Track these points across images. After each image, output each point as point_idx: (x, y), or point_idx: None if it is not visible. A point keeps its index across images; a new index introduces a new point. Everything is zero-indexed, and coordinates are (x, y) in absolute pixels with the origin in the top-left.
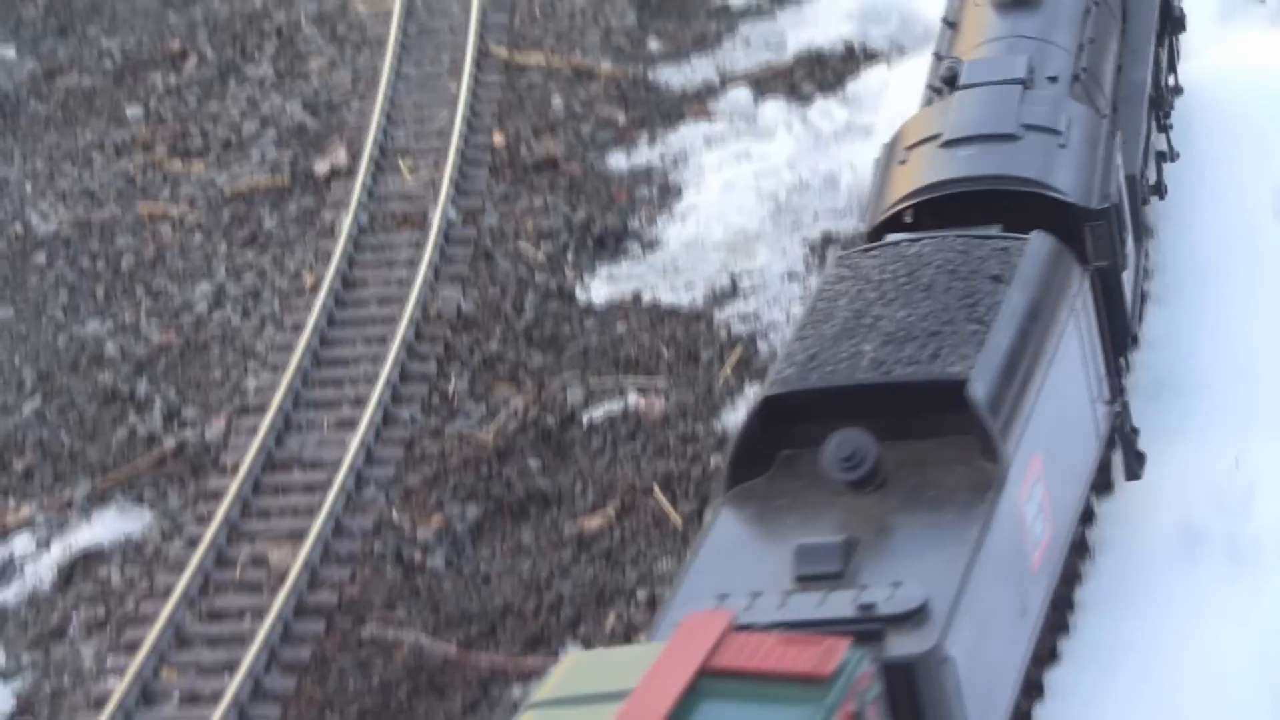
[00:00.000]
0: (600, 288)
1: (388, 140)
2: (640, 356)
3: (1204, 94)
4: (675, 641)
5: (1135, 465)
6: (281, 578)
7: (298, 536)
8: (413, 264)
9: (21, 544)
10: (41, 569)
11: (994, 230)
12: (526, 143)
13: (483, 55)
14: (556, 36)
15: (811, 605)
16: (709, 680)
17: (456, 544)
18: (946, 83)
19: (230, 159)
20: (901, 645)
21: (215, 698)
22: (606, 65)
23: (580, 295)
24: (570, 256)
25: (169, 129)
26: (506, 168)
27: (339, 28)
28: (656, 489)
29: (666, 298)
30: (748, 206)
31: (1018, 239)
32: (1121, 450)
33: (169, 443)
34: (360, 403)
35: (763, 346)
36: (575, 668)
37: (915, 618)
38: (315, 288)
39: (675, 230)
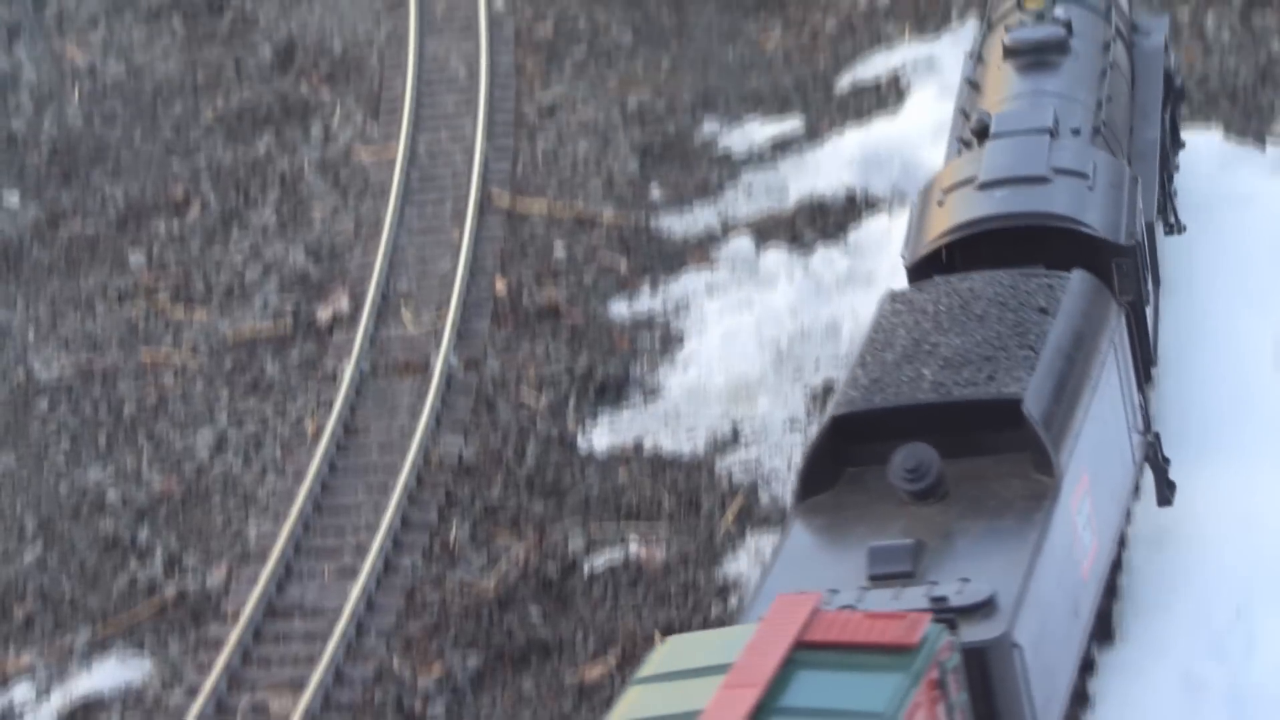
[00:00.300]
0: (602, 435)
1: (390, 287)
2: (641, 505)
3: (1204, 241)
4: (769, 620)
5: (1167, 493)
6: None
7: (298, 685)
8: (414, 411)
9: (22, 692)
10: (41, 718)
11: (1038, 268)
12: (529, 290)
13: (485, 202)
14: (559, 184)
15: (886, 599)
16: (804, 652)
17: (457, 693)
18: (977, 134)
19: (233, 305)
20: (973, 633)
21: None
22: (609, 213)
23: (582, 443)
24: (572, 404)
25: (172, 275)
26: (508, 315)
27: (342, 175)
28: (658, 637)
29: (668, 446)
30: (749, 354)
31: (1061, 276)
32: (1154, 478)
33: (170, 590)
34: (362, 550)
35: (764, 495)
36: (674, 648)
37: (984, 609)
38: (317, 435)
39: (677, 378)
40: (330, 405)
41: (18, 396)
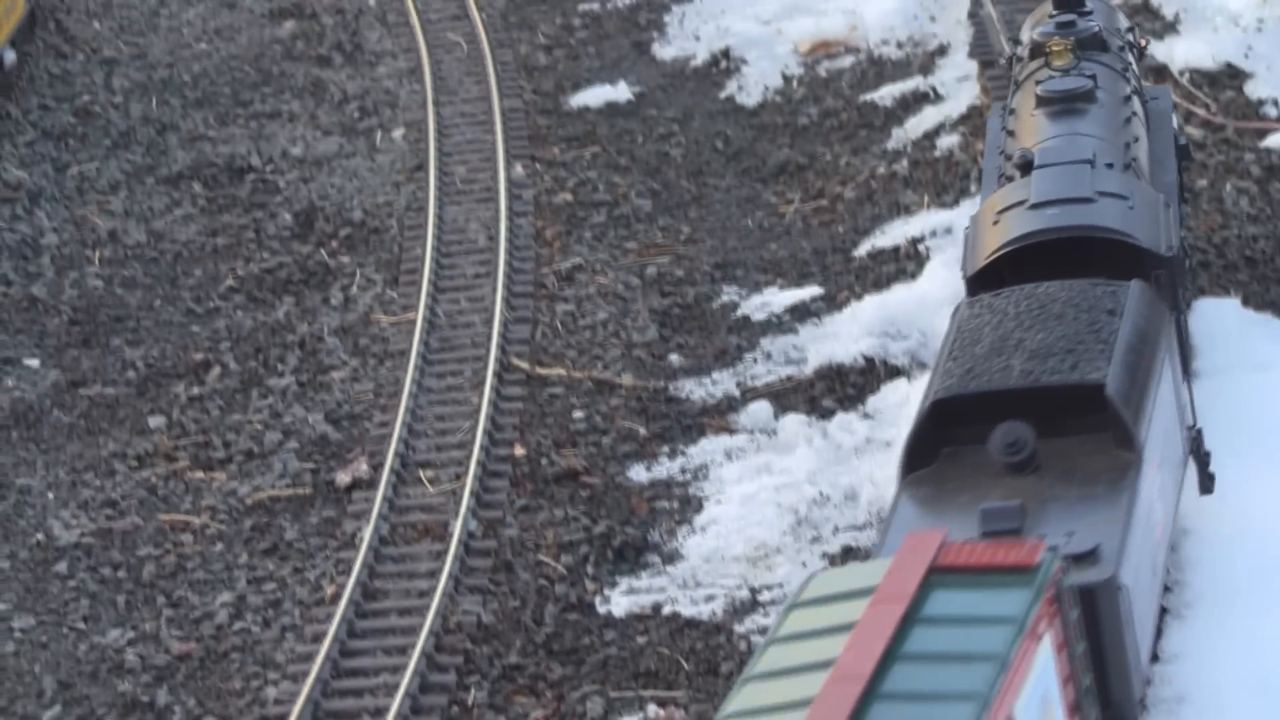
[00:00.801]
0: (620, 599)
1: (409, 452)
2: (660, 668)
3: (1222, 406)
4: (903, 551)
5: (1208, 483)
6: None
7: None
8: (433, 575)
9: None
10: None
11: (1099, 279)
12: (547, 455)
13: (504, 368)
14: (578, 350)
15: None
16: (937, 575)
17: None
18: (1021, 168)
19: (252, 469)
20: (1083, 576)
21: None
22: (628, 378)
23: (600, 607)
24: (590, 568)
25: (191, 439)
26: (527, 479)
27: (361, 340)
28: None
29: (686, 610)
30: (768, 519)
31: (1122, 284)
32: (1197, 469)
33: None
34: (380, 714)
35: None
36: (823, 580)
37: (1091, 556)
38: (336, 598)
39: (695, 542)
40: (349, 569)
41: (37, 558)
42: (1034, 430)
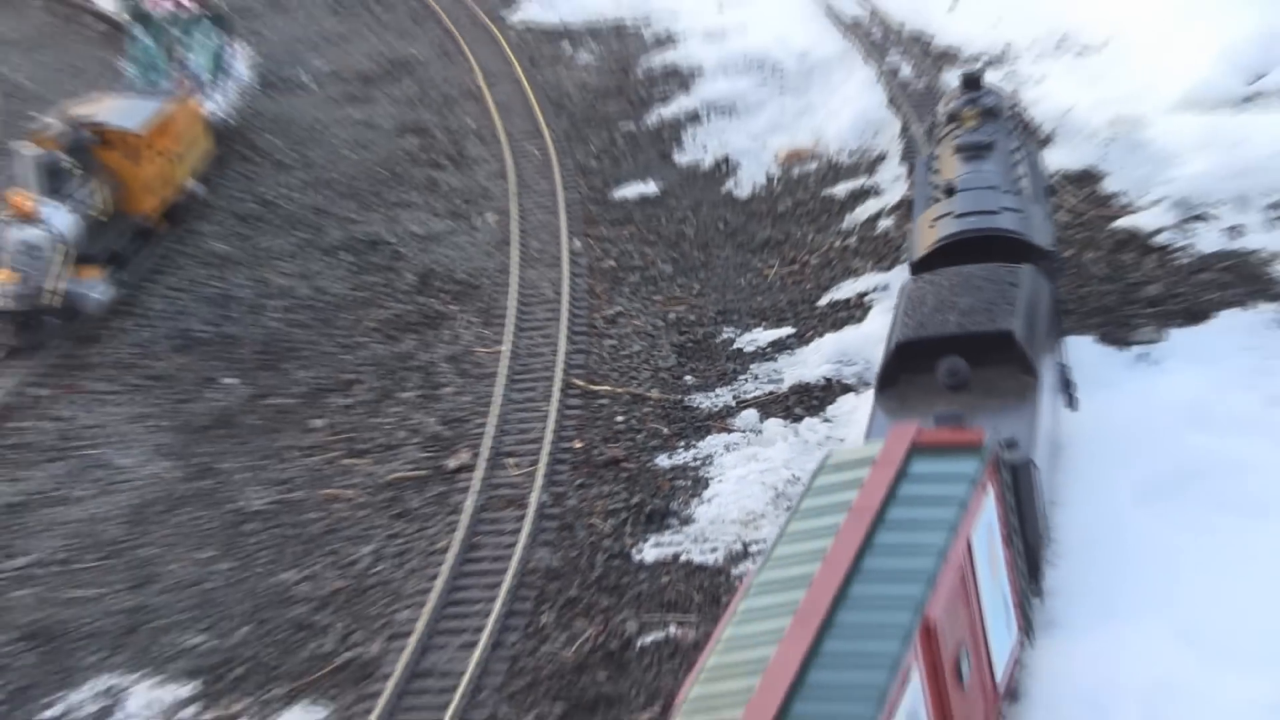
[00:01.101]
0: (649, 551)
1: (499, 445)
2: (678, 599)
3: (1082, 416)
4: (892, 436)
5: (1074, 403)
6: None
7: (447, 693)
8: (515, 533)
9: None
10: None
11: (1004, 264)
12: (597, 447)
13: (566, 386)
14: (619, 372)
15: None
16: (916, 449)
17: None
18: (946, 192)
19: (387, 457)
20: (1010, 458)
21: None
22: (655, 393)
23: (635, 556)
24: (628, 528)
25: (343, 435)
26: (583, 465)
27: (464, 365)
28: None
29: (697, 558)
30: (755, 494)
31: (1019, 266)
32: (1064, 389)
33: (341, 659)
34: (478, 631)
35: None
36: (839, 454)
37: (1012, 445)
38: (446, 550)
39: (703, 510)
40: (456, 528)
41: (233, 520)
42: (966, 363)
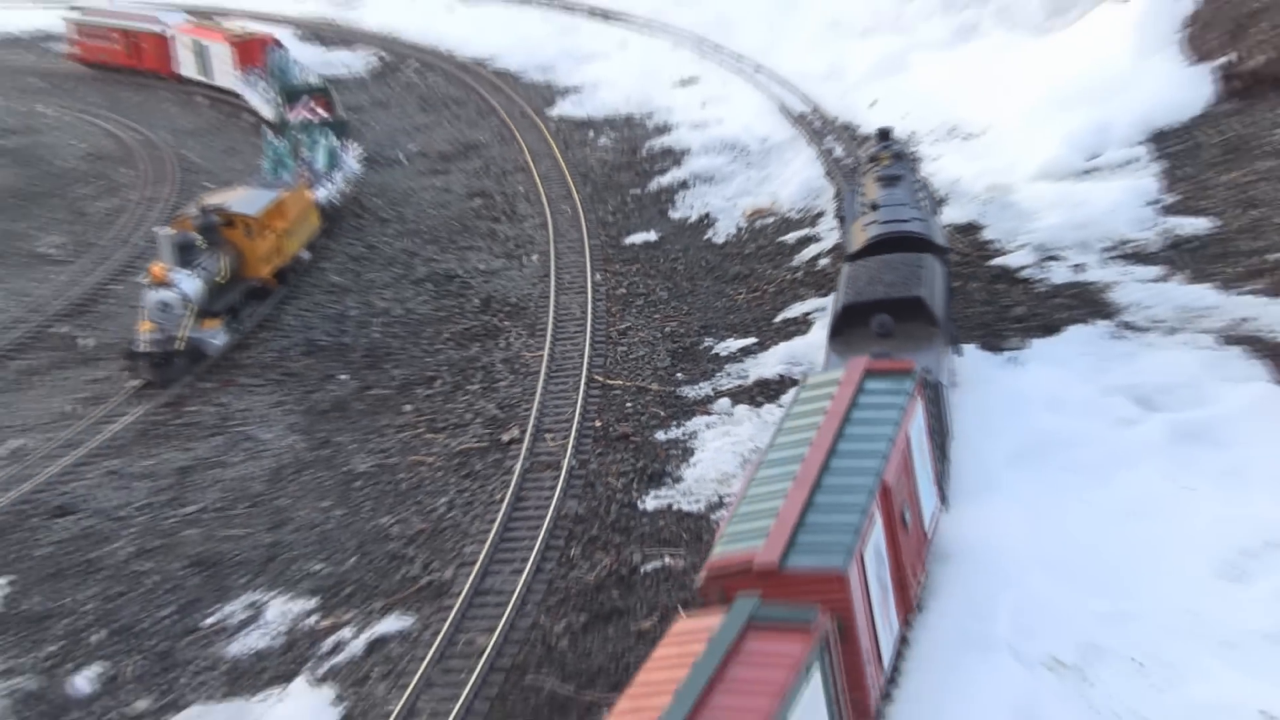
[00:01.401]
0: (650, 502)
1: (540, 424)
2: (671, 537)
3: (967, 403)
4: (849, 367)
5: (959, 349)
6: (483, 649)
7: (491, 629)
8: (552, 488)
9: (345, 633)
10: (355, 646)
11: (914, 254)
12: (612, 426)
13: (590, 381)
14: (629, 371)
15: None
16: (869, 373)
17: (573, 634)
18: (872, 207)
19: (457, 433)
20: (929, 379)
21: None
22: (655, 385)
23: (640, 506)
24: (635, 486)
25: (426, 417)
26: (602, 439)
27: (515, 365)
28: (680, 607)
29: (686, 508)
30: (728, 460)
31: (924, 255)
32: (953, 340)
33: (423, 581)
34: (524, 560)
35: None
36: (815, 378)
37: (929, 372)
38: (501, 501)
39: (690, 472)
40: (508, 485)
41: (345, 478)
42: (891, 318)
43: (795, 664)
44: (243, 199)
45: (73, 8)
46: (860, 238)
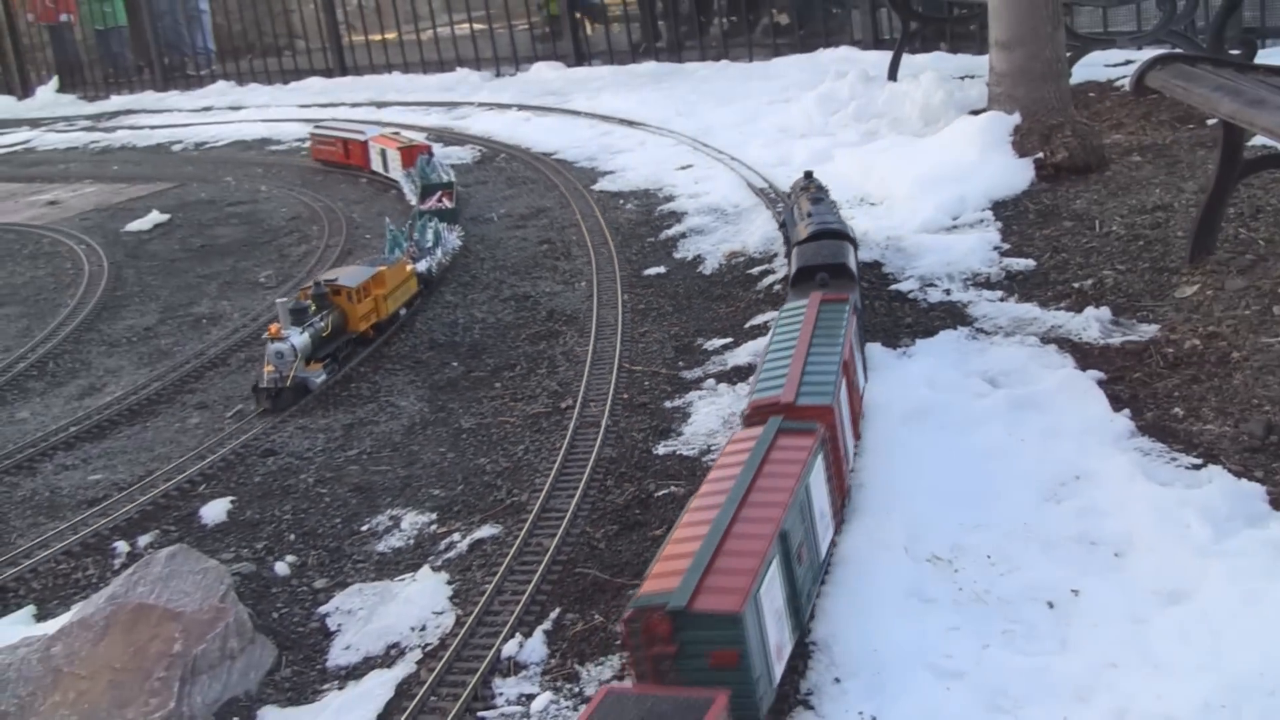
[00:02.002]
0: (661, 449)
1: (587, 396)
2: (675, 474)
3: (872, 388)
4: (810, 299)
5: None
6: (547, 548)
7: (553, 534)
8: (593, 440)
9: (455, 537)
10: (461, 546)
11: (838, 242)
12: (634, 398)
13: (620, 368)
14: (646, 359)
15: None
16: (823, 302)
17: (609, 539)
18: (807, 215)
19: (530, 402)
20: (856, 304)
21: (529, 578)
22: (664, 370)
23: (653, 452)
24: (650, 438)
25: (509, 391)
26: (627, 406)
27: (570, 357)
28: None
29: (684, 453)
30: (713, 422)
31: (845, 242)
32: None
33: (507, 502)
34: (574, 489)
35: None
36: (790, 306)
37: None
38: (559, 449)
39: (688, 428)
40: (564, 438)
41: (454, 434)
42: (829, 275)
43: (808, 449)
44: (349, 274)
45: (317, 125)
46: (804, 231)
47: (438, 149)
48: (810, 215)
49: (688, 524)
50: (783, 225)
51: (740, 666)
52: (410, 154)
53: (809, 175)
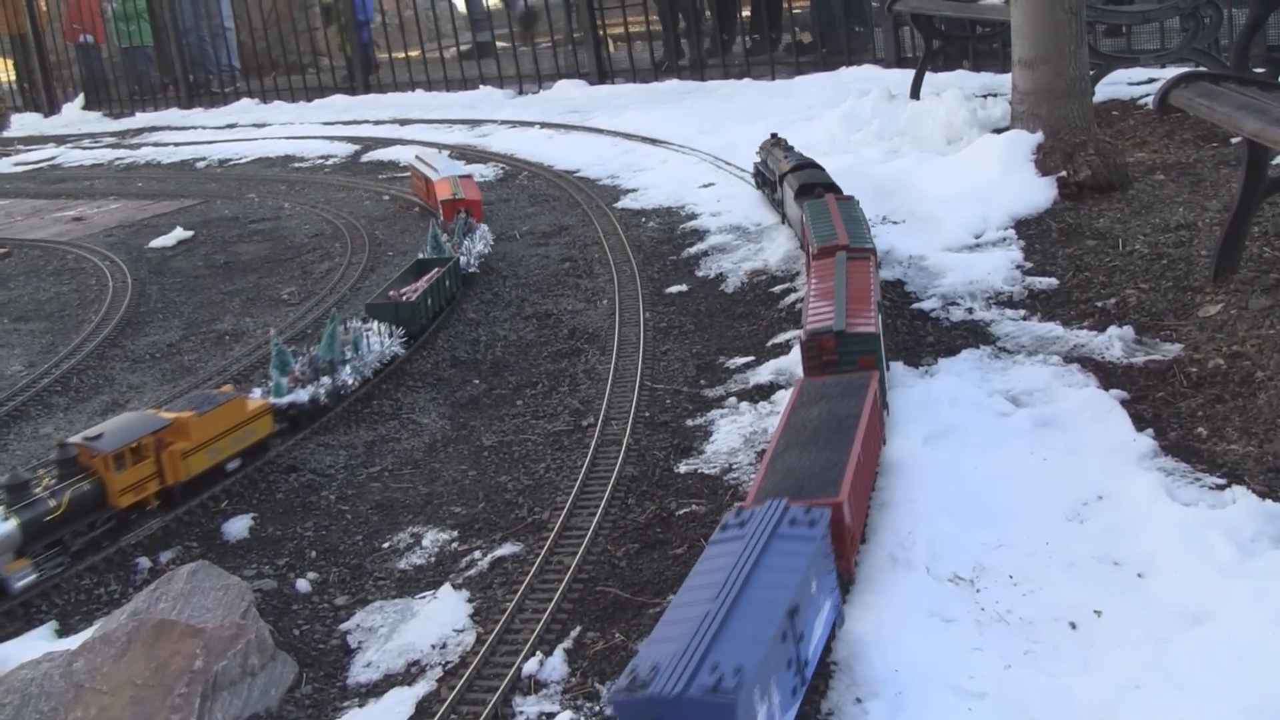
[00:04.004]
0: (682, 467)
1: (608, 414)
2: (696, 492)
3: (895, 401)
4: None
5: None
6: (568, 566)
7: (575, 552)
8: (615, 458)
9: (476, 555)
10: (482, 564)
11: (818, 169)
12: (655, 416)
13: (641, 385)
14: (668, 378)
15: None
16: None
17: (630, 557)
18: (784, 156)
19: (552, 420)
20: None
21: (550, 596)
22: (685, 389)
23: (675, 470)
24: (671, 456)
25: (531, 409)
26: (649, 424)
27: (591, 375)
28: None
29: (706, 471)
30: (735, 441)
31: (821, 169)
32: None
33: (528, 520)
34: (596, 507)
35: (742, 488)
36: (809, 201)
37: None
38: (580, 467)
39: (710, 447)
40: (585, 456)
41: (476, 451)
42: (823, 189)
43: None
44: (120, 426)
45: (417, 158)
46: (785, 166)
47: (462, 165)
48: (786, 157)
49: None
50: (757, 173)
51: (876, 365)
52: (450, 209)
53: (775, 135)
